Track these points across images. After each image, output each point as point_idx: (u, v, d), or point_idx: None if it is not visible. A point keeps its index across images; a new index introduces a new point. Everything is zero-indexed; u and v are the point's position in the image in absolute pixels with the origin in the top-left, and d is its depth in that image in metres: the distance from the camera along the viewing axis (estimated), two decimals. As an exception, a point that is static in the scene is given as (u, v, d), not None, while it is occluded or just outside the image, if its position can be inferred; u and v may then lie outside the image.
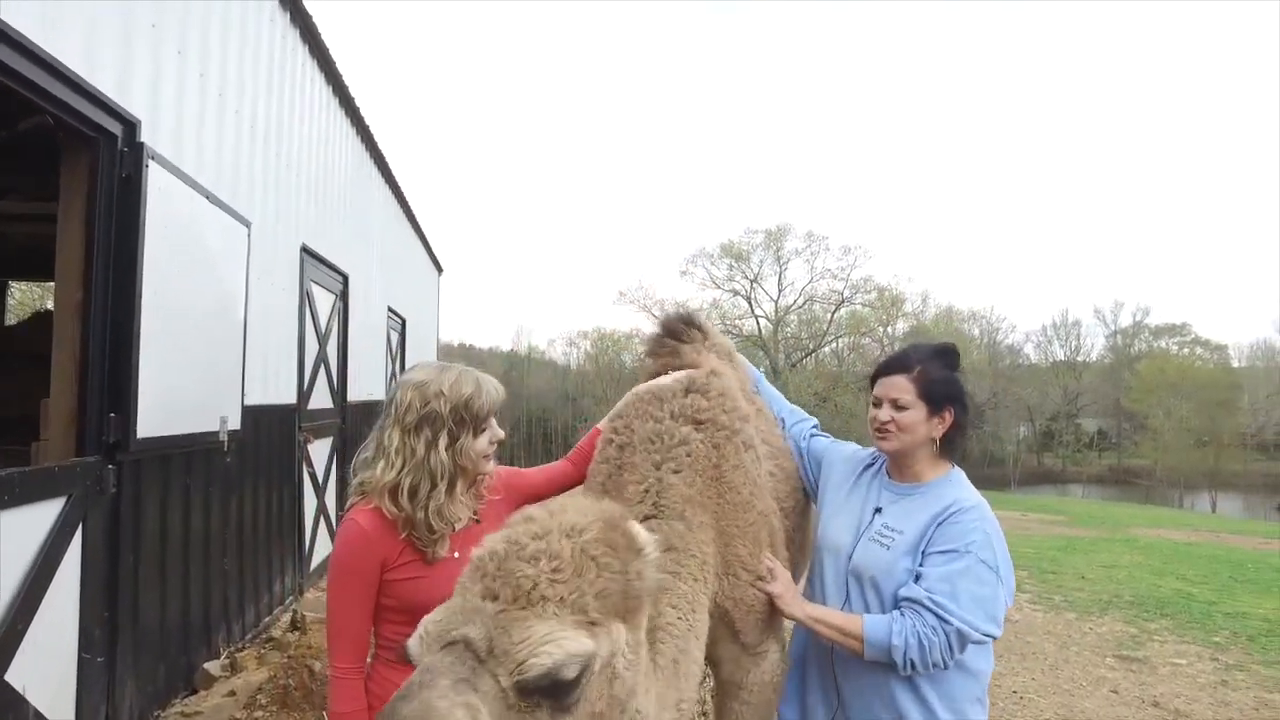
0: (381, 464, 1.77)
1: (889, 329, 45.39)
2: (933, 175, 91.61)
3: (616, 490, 2.04)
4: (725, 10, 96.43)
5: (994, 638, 1.92)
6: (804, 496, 2.51)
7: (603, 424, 2.24)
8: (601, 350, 52.79)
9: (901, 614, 1.91)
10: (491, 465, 1.94)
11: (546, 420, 53.13)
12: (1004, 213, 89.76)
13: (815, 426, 2.62)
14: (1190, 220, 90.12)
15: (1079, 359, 56.12)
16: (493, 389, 1.88)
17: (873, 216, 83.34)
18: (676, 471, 2.00)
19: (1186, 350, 52.73)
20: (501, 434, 1.91)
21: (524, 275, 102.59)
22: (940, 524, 1.97)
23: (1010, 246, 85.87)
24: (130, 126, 3.38)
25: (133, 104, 3.41)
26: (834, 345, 46.49)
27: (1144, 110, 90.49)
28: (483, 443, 1.85)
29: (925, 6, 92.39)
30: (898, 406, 2.10)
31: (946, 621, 1.85)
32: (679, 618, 1.83)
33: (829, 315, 44.93)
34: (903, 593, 1.93)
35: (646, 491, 1.99)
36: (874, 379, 2.21)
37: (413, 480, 1.76)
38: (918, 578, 1.94)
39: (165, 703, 3.81)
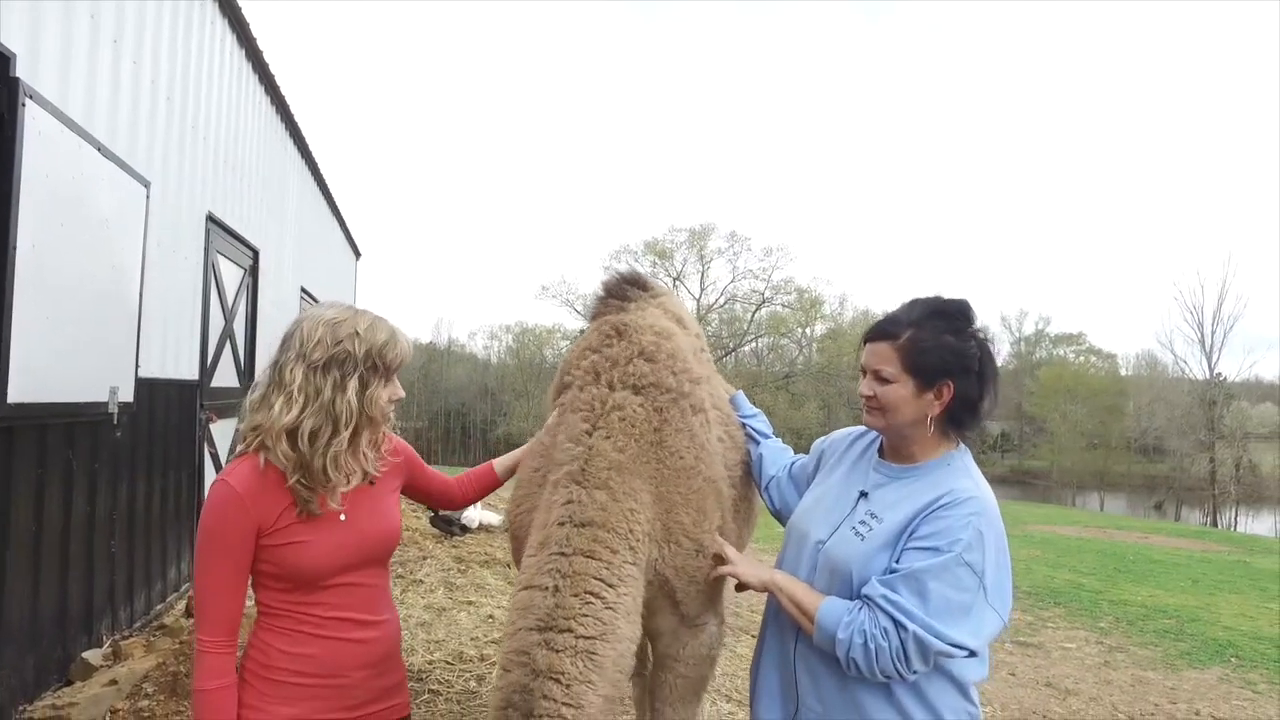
0: (280, 402, 1.60)
1: (808, 330, 46.57)
2: (853, 181, 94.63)
3: (555, 451, 2.01)
4: (654, 6, 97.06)
5: (968, 652, 1.60)
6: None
7: (550, 388, 2.19)
8: (523, 345, 52.25)
9: (860, 608, 1.63)
10: (390, 426, 1.81)
11: (465, 414, 52.19)
12: (920, 220, 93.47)
13: (795, 461, 2.28)
14: (1089, 233, 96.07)
15: (986, 364, 58.68)
16: (406, 342, 1.75)
17: (795, 219, 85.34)
18: (607, 438, 1.93)
19: (1081, 358, 56.05)
20: (402, 393, 1.77)
21: (445, 266, 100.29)
22: (926, 516, 1.64)
23: (925, 253, 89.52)
24: (3, 60, 3.06)
25: (7, 36, 3.09)
26: (754, 345, 47.28)
27: (1058, 128, 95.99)
28: (386, 397, 1.72)
29: (844, 13, 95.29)
30: (880, 379, 1.75)
31: (902, 626, 1.55)
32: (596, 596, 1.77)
33: (750, 315, 45.59)
34: (864, 589, 1.64)
35: (574, 459, 1.92)
36: (864, 342, 1.85)
37: (315, 423, 1.60)
38: (890, 574, 1.65)
39: (34, 696, 3.49)
